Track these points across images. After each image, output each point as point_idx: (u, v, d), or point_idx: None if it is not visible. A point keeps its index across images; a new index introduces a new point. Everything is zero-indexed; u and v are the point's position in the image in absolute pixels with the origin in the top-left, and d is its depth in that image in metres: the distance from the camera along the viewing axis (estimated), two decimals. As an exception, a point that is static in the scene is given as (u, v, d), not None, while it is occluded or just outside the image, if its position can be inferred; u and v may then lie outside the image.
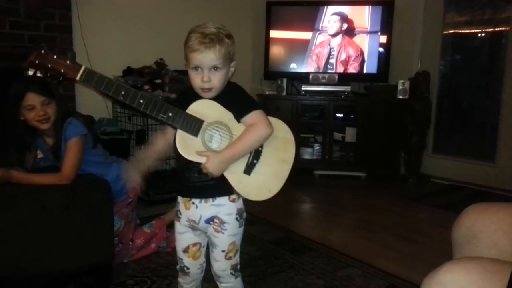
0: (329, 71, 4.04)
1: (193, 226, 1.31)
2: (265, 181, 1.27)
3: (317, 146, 3.94)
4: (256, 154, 1.26)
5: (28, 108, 1.71)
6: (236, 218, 1.30)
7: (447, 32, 3.94)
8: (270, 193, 1.27)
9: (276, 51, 4.18)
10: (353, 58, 4.02)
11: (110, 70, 3.48)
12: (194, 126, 1.20)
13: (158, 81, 3.41)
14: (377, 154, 3.83)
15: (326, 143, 3.90)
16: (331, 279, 1.99)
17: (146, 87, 3.29)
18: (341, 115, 3.91)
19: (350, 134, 3.85)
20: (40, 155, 1.92)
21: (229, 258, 1.33)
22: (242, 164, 1.24)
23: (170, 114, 1.18)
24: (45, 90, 1.74)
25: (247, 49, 4.54)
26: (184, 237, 1.34)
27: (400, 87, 3.75)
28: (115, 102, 3.45)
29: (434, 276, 0.91)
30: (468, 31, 3.89)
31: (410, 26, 3.99)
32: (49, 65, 1.17)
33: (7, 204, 1.57)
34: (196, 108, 1.20)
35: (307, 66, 4.12)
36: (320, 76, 3.97)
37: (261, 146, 1.26)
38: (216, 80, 1.19)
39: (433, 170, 3.92)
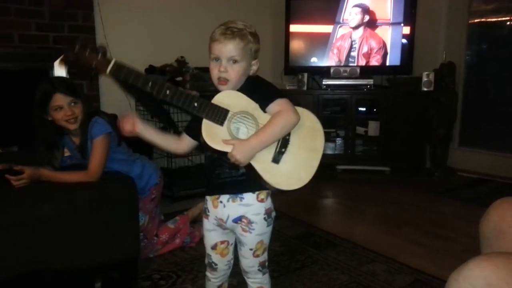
0: (350, 64, 3.99)
1: (220, 225, 1.33)
2: (294, 170, 1.25)
3: (339, 140, 3.90)
4: (284, 142, 1.24)
5: (56, 109, 1.75)
6: (264, 218, 1.30)
7: (473, 21, 3.82)
8: (300, 182, 1.25)
9: (296, 45, 4.15)
10: (375, 51, 3.95)
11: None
12: (220, 115, 1.20)
13: (179, 78, 3.44)
14: (401, 148, 3.76)
15: (348, 138, 3.86)
16: (355, 275, 1.97)
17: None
18: (363, 109, 3.86)
19: (373, 128, 3.79)
20: (67, 154, 1.97)
21: (257, 256, 1.34)
22: (270, 153, 1.23)
23: (195, 105, 1.19)
24: (71, 90, 1.78)
25: (267, 45, 4.52)
26: (212, 235, 1.36)
27: (424, 79, 3.67)
28: (139, 101, 3.50)
29: (461, 271, 0.89)
30: (496, 19, 3.76)
31: (434, 16, 3.89)
32: (82, 61, 1.22)
33: (36, 201, 1.62)
34: (221, 99, 1.21)
35: (328, 60, 4.07)
36: (342, 69, 3.92)
37: (288, 135, 1.24)
38: (233, 73, 1.20)
39: (460, 163, 3.82)
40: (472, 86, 3.89)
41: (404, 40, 3.88)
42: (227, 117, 1.21)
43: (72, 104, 1.77)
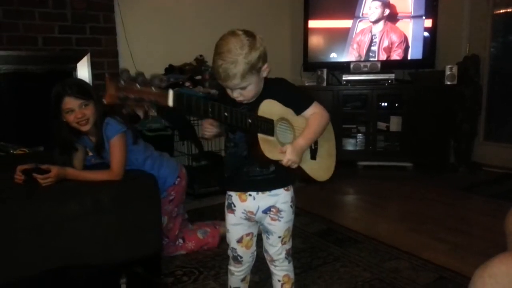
0: (371, 59, 3.93)
1: (249, 217, 1.35)
2: (326, 161, 1.41)
3: (360, 136, 3.87)
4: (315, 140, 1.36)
5: (68, 111, 1.78)
6: (291, 206, 1.36)
7: (498, 11, 3.71)
8: (331, 171, 1.42)
9: (315, 41, 4.12)
10: (396, 45, 3.89)
11: (153, 68, 3.57)
12: (269, 127, 1.24)
13: (198, 77, 3.47)
14: (424, 143, 3.69)
15: (369, 133, 3.81)
16: (378, 272, 1.95)
17: (187, 83, 3.36)
18: (385, 104, 3.81)
19: (395, 123, 3.73)
20: (90, 153, 2.02)
21: (284, 243, 1.39)
22: (307, 152, 1.35)
23: (249, 121, 1.21)
24: (82, 93, 1.79)
25: (286, 41, 4.52)
26: (238, 228, 1.38)
27: (447, 72, 3.59)
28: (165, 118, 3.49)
29: (487, 268, 0.88)
30: (522, 9, 3.64)
31: (457, 7, 3.80)
32: (137, 96, 1.06)
33: (62, 199, 1.66)
34: (263, 109, 1.24)
35: (348, 55, 4.03)
36: (362, 64, 3.88)
37: None
38: (247, 94, 1.22)
39: (485, 158, 3.73)
40: (497, 79, 3.78)
41: (426, 33, 3.80)
42: (273, 126, 1.26)
43: (83, 106, 1.79)
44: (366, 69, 3.85)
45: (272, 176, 1.30)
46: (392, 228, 2.52)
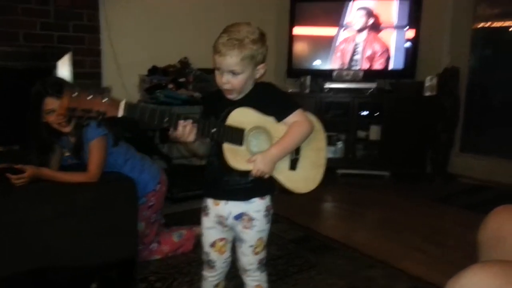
0: (354, 67, 3.98)
1: (221, 222, 1.34)
2: (309, 172, 1.34)
3: (340, 144, 3.90)
4: (296, 149, 1.31)
5: (49, 112, 1.74)
6: (265, 215, 1.33)
7: (477, 25, 3.81)
8: (315, 182, 1.36)
9: (299, 48, 4.15)
10: (378, 54, 3.94)
11: (137, 69, 3.55)
12: (237, 136, 1.22)
13: (182, 79, 3.45)
14: (402, 153, 3.75)
15: (349, 141, 3.85)
16: (353, 280, 1.97)
17: (170, 86, 3.34)
18: (365, 113, 3.85)
19: (374, 132, 3.78)
20: (67, 153, 1.98)
21: (257, 253, 1.36)
22: (286, 162, 1.30)
23: (214, 130, 1.20)
24: (63, 93, 1.75)
25: (270, 46, 4.48)
26: (211, 232, 1.37)
27: (427, 83, 3.66)
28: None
29: (459, 279, 0.89)
30: (500, 24, 3.75)
31: (438, 20, 3.87)
32: (85, 107, 1.08)
33: (36, 200, 1.63)
34: (235, 118, 1.22)
35: (331, 63, 4.06)
36: (345, 73, 3.92)
37: None
38: (236, 83, 1.21)
39: (461, 169, 3.81)
40: (475, 92, 3.88)
41: (408, 44, 3.87)
42: (244, 136, 1.23)
43: None
44: (348, 77, 3.89)
45: (250, 185, 1.28)
46: (369, 237, 2.55)
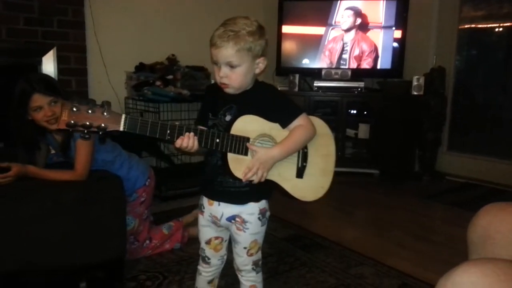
0: (342, 66, 3.99)
1: (215, 222, 1.33)
2: (317, 180, 1.30)
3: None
4: (304, 156, 1.28)
5: (36, 109, 1.69)
6: (259, 218, 1.30)
7: (463, 26, 3.86)
8: (323, 190, 1.32)
9: (288, 46, 4.14)
10: (366, 54, 3.97)
11: (123, 66, 3.50)
12: (242, 145, 1.19)
13: (170, 77, 3.41)
14: (390, 151, 3.78)
15: (338, 140, 3.86)
16: (343, 277, 1.97)
17: (158, 83, 3.30)
18: (354, 112, 3.87)
19: (363, 131, 3.80)
20: (53, 151, 1.93)
21: (251, 255, 1.34)
22: (292, 169, 1.27)
23: (217, 141, 1.17)
24: (51, 90, 1.70)
25: (259, 45, 4.51)
26: (207, 230, 1.36)
27: (414, 83, 3.69)
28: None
29: (450, 277, 0.89)
30: (485, 25, 3.81)
31: (425, 20, 3.92)
32: (86, 122, 1.06)
33: (22, 199, 1.58)
34: (239, 126, 1.19)
35: (320, 62, 4.08)
36: (333, 71, 3.93)
37: (306, 147, 1.28)
38: (233, 76, 1.17)
39: (448, 167, 3.86)
40: (461, 91, 3.93)
41: (395, 44, 3.90)
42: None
43: (52, 103, 1.70)
44: (337, 76, 3.90)
45: (245, 189, 1.25)
46: (358, 234, 2.55)
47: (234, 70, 1.17)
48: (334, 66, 4.01)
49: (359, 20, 3.94)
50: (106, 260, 1.74)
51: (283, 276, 1.97)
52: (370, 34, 3.94)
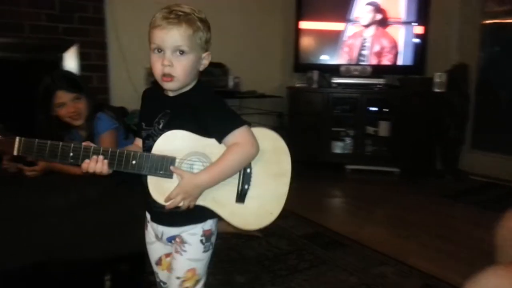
0: (361, 63, 3.94)
1: (160, 240, 1.16)
2: (263, 204, 1.09)
3: (348, 140, 3.87)
4: (246, 177, 1.06)
5: (59, 106, 1.73)
6: (201, 241, 1.08)
7: (486, 22, 3.76)
8: (272, 216, 1.10)
9: (306, 42, 4.11)
10: (387, 50, 3.91)
11: (143, 62, 3.51)
12: (165, 167, 1.00)
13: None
14: (411, 149, 3.71)
15: (358, 137, 3.82)
16: (364, 276, 1.94)
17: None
18: (374, 109, 3.81)
19: (383, 128, 3.74)
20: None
21: None
22: (231, 192, 1.06)
23: (133, 162, 1.00)
24: (73, 86, 1.74)
25: (276, 41, 4.49)
26: (155, 248, 1.17)
27: (436, 79, 3.62)
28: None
29: (478, 280, 0.87)
30: (509, 21, 3.70)
31: (447, 15, 3.84)
32: None
33: (48, 192, 1.61)
34: (162, 145, 1.01)
35: (339, 58, 4.03)
36: (352, 68, 3.88)
37: (249, 166, 1.06)
38: (180, 67, 0.99)
39: (471, 166, 3.77)
40: (484, 88, 3.83)
41: (416, 40, 3.83)
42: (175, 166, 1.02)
43: (75, 100, 1.73)
44: (356, 72, 3.85)
45: (180, 209, 1.03)
46: (378, 233, 2.51)
47: (181, 58, 0.99)
48: (353, 63, 3.96)
49: (379, 16, 3.88)
50: (129, 253, 1.76)
51: (303, 274, 1.95)
52: (390, 29, 3.88)
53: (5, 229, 1.50)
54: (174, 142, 1.01)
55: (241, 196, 1.06)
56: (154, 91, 1.11)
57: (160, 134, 1.02)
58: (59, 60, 3.16)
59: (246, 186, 1.06)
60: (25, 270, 1.52)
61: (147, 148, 1.05)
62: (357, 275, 1.95)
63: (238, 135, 1.01)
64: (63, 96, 1.71)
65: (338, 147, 3.87)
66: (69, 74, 2.01)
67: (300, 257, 2.12)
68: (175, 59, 0.99)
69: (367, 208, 2.98)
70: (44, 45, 3.10)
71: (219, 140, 1.02)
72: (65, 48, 3.19)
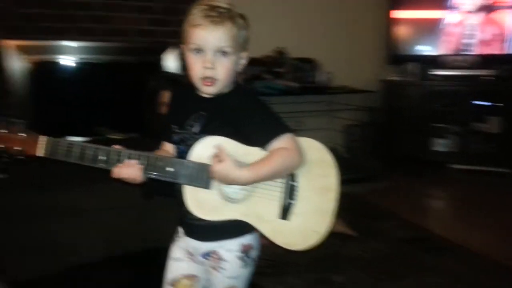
0: (465, 52, 3.61)
1: (191, 257, 1.05)
2: (308, 221, 0.99)
3: (451, 137, 3.57)
4: (291, 191, 0.97)
5: (164, 104, 1.83)
6: (239, 257, 1.00)
7: None
8: (317, 234, 0.99)
9: (401, 32, 3.89)
10: (493, 38, 3.54)
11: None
12: (203, 176, 0.92)
13: (278, 69, 3.41)
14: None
15: (462, 134, 3.52)
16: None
17: (267, 76, 3.32)
18: (481, 103, 3.47)
19: (493, 124, 3.40)
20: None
21: None
22: (274, 207, 0.97)
23: (171, 170, 0.92)
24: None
25: (367, 31, 4.25)
26: (177, 265, 1.05)
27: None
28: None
29: None
30: None
31: None
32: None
33: (91, 189, 1.73)
34: (200, 152, 0.93)
35: (438, 48, 3.74)
36: (454, 58, 3.58)
37: (295, 179, 0.97)
38: (222, 69, 0.91)
39: None
40: None
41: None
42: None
43: None
44: (458, 63, 3.56)
45: (216, 223, 0.96)
46: (488, 240, 2.30)
47: (224, 59, 0.91)
48: (455, 53, 3.64)
49: (483, 1, 3.51)
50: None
51: (406, 280, 1.83)
52: (497, 15, 3.50)
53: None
54: (213, 149, 0.92)
55: (285, 212, 0.97)
56: (183, 91, 1.04)
57: (195, 138, 0.94)
58: (159, 61, 3.34)
59: (291, 201, 0.97)
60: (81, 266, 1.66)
61: (181, 153, 0.98)
62: (467, 285, 1.78)
63: (284, 142, 0.93)
64: (167, 96, 1.81)
65: (439, 145, 3.59)
66: (172, 75, 2.13)
67: (403, 263, 2.00)
68: (217, 60, 0.91)
69: (475, 212, 2.73)
70: (147, 48, 3.30)
71: (263, 146, 0.93)
72: (167, 50, 3.36)
